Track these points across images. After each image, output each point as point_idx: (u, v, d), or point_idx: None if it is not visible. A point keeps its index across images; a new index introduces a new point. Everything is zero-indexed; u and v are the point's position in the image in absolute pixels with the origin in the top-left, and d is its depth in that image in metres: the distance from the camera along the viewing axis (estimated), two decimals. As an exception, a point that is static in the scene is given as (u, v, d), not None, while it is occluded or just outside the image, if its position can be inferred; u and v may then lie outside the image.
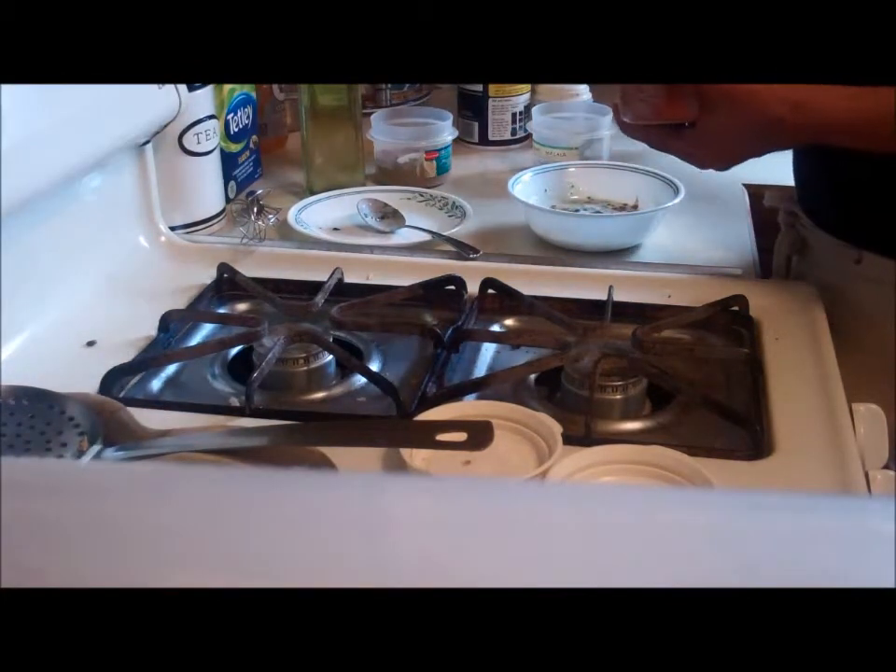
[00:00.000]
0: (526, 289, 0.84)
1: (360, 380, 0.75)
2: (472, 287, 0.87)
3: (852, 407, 0.70)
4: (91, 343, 0.80)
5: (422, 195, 1.11)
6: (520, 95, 1.30)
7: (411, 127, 1.21)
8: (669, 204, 0.99)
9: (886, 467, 0.69)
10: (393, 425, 0.68)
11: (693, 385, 0.74)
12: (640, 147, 0.89)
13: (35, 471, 0.31)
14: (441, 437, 0.56)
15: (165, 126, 0.92)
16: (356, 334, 0.82)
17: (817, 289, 0.87)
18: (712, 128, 0.76)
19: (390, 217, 1.07)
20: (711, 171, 1.18)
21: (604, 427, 0.70)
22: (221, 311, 0.88)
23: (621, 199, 1.08)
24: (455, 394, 0.72)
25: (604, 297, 0.83)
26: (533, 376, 0.76)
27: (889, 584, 0.23)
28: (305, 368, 0.76)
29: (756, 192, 1.16)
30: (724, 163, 0.83)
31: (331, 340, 0.77)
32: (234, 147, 1.12)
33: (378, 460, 0.64)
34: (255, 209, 0.98)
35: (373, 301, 0.84)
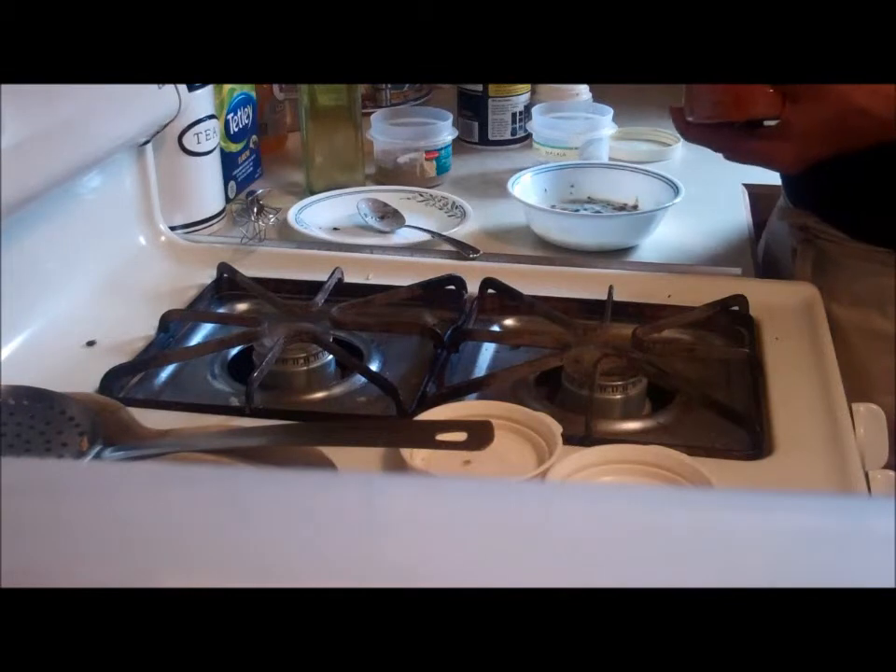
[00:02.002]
0: (526, 289, 0.84)
1: (360, 380, 0.75)
2: (472, 287, 0.87)
3: (852, 407, 0.70)
4: (91, 343, 0.80)
5: (422, 195, 1.11)
6: (520, 95, 1.30)
7: (411, 127, 1.21)
8: (669, 204, 0.99)
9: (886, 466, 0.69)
10: (393, 425, 0.68)
11: (692, 384, 0.74)
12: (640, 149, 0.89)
13: (35, 471, 0.31)
14: (441, 437, 0.56)
15: (165, 126, 0.92)
16: (356, 334, 0.82)
17: (852, 302, 0.86)
18: (799, 121, 0.72)
19: (390, 216, 1.07)
20: (711, 171, 1.18)
21: (604, 426, 0.70)
22: (221, 311, 0.88)
23: (621, 199, 1.08)
24: (455, 394, 0.72)
25: (604, 297, 0.83)
26: (533, 376, 0.76)
27: (889, 584, 0.23)
28: (305, 368, 0.76)
29: (756, 192, 1.16)
30: (805, 161, 0.76)
31: (331, 340, 0.77)
32: (234, 147, 1.12)
33: (378, 460, 0.64)
34: (255, 209, 0.98)
35: (373, 301, 0.84)
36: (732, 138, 0.77)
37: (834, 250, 0.89)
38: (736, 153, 0.79)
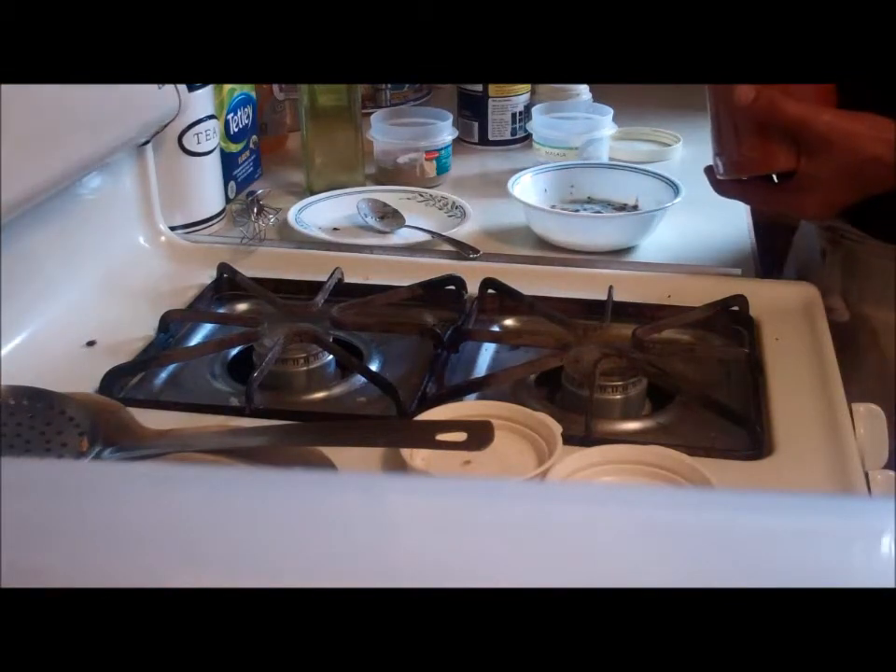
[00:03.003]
0: (526, 289, 0.84)
1: (360, 380, 0.75)
2: (472, 287, 0.87)
3: (852, 407, 0.70)
4: (91, 343, 0.80)
5: (422, 195, 1.11)
6: (520, 95, 1.30)
7: (411, 127, 1.21)
8: (669, 204, 0.99)
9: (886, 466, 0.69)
10: (393, 425, 0.68)
11: (692, 384, 0.74)
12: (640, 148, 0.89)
13: (35, 471, 0.31)
14: (441, 437, 0.56)
15: (165, 126, 0.92)
16: (356, 334, 0.82)
17: (882, 303, 0.85)
18: (813, 173, 0.75)
19: (390, 216, 1.07)
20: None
21: (604, 426, 0.70)
22: (221, 311, 0.88)
23: (621, 199, 1.08)
24: (455, 394, 0.72)
25: (604, 297, 0.83)
26: (533, 376, 0.76)
27: (889, 584, 0.23)
28: (305, 368, 0.76)
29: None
30: (827, 210, 0.79)
31: (331, 340, 0.77)
32: (234, 147, 1.12)
33: (378, 460, 0.64)
34: (255, 209, 0.98)
35: (373, 301, 0.84)
36: (761, 192, 0.81)
37: (862, 251, 0.89)
38: (767, 205, 0.83)
